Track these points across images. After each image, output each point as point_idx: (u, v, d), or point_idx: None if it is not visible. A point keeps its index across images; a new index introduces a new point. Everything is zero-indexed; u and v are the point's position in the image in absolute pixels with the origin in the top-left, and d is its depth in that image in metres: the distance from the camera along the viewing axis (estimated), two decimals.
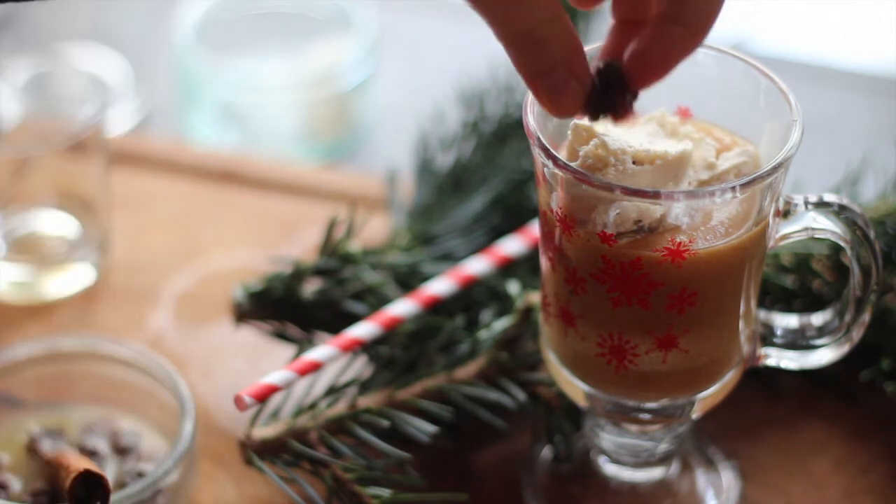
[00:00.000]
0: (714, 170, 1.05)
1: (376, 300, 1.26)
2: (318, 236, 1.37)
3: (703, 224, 1.02)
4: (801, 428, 1.27)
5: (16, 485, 1.19)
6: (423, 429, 1.17)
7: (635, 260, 1.02)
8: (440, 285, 1.25)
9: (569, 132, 1.05)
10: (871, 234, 1.06)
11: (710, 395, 1.12)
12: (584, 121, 1.04)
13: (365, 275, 1.28)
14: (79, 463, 1.13)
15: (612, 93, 0.99)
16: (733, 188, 1.00)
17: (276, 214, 1.48)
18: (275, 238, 1.45)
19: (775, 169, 1.01)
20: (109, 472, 1.18)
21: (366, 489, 1.14)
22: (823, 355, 1.13)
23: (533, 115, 1.05)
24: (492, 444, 1.25)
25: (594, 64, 0.99)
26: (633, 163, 1.02)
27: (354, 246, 1.29)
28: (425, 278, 1.28)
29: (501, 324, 1.23)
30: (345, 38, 1.64)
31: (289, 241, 1.45)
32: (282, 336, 1.28)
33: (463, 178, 1.39)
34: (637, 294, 1.04)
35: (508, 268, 1.29)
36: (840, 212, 1.06)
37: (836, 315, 1.12)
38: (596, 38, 1.47)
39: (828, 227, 1.07)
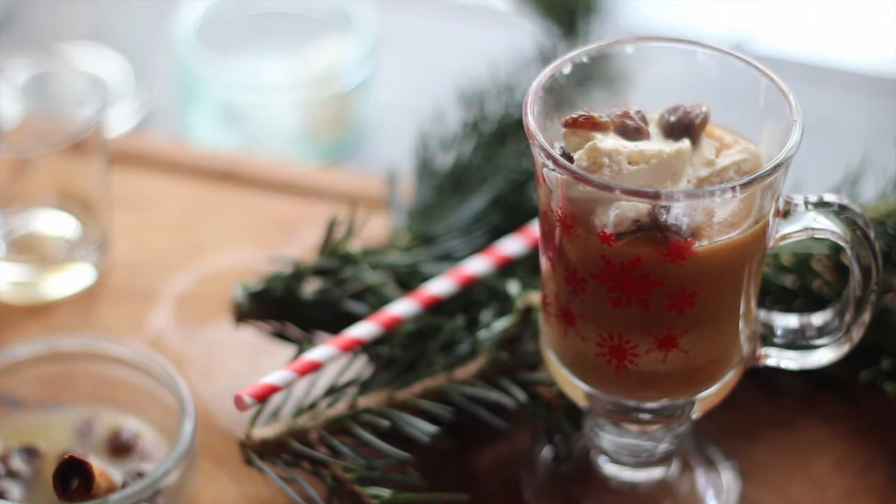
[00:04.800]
0: (713, 167, 1.05)
1: (376, 300, 1.26)
2: (318, 236, 1.37)
3: (703, 223, 1.02)
4: (801, 428, 1.27)
5: (15, 490, 1.19)
6: (423, 429, 1.17)
7: (635, 260, 1.02)
8: (440, 285, 1.25)
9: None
10: (871, 234, 1.07)
11: (710, 395, 1.12)
12: None
13: (365, 275, 1.28)
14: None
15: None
16: (733, 188, 1.00)
17: (276, 214, 1.48)
18: (275, 238, 1.45)
19: (775, 169, 1.01)
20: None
21: (366, 489, 1.14)
22: (823, 355, 1.13)
23: (533, 115, 1.05)
24: (492, 444, 1.25)
25: None
26: (629, 163, 1.02)
27: (354, 246, 1.29)
28: (425, 278, 1.28)
29: (501, 324, 1.23)
30: (345, 38, 1.64)
31: (289, 241, 1.45)
32: (282, 336, 1.28)
33: (463, 178, 1.39)
34: (637, 294, 1.04)
35: (508, 268, 1.29)
36: (840, 212, 1.06)
37: (836, 315, 1.12)
38: (596, 39, 1.47)
39: (828, 227, 1.07)
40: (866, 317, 1.11)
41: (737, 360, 1.12)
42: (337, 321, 1.26)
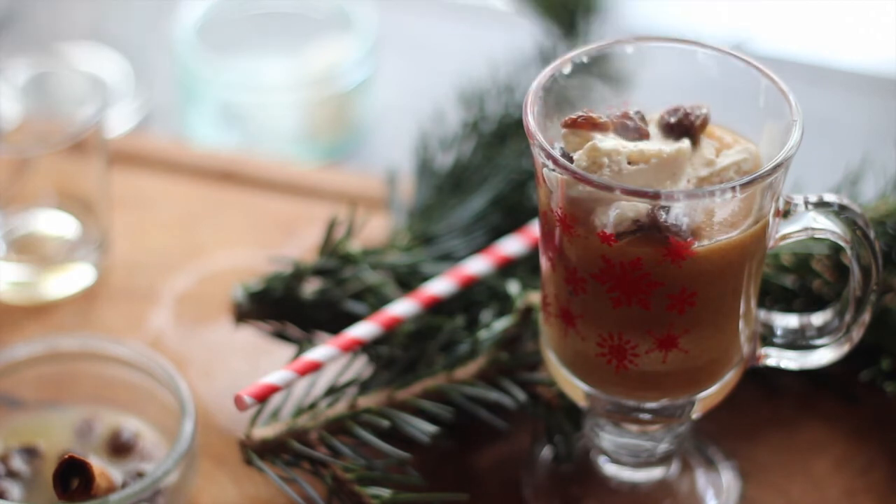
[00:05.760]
0: (713, 167, 1.05)
1: (376, 300, 1.26)
2: (318, 236, 1.37)
3: (703, 223, 1.02)
4: (801, 428, 1.27)
5: (15, 490, 1.19)
6: (423, 429, 1.17)
7: (635, 260, 1.02)
8: (440, 285, 1.25)
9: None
10: (871, 234, 1.07)
11: (710, 395, 1.12)
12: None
13: (365, 275, 1.28)
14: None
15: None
16: (733, 188, 1.00)
17: (276, 214, 1.48)
18: (275, 238, 1.45)
19: (775, 169, 1.01)
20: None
21: (366, 489, 1.14)
22: (823, 355, 1.13)
23: (533, 115, 1.05)
24: (492, 444, 1.25)
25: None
26: (629, 163, 1.02)
27: (354, 246, 1.29)
28: (425, 278, 1.28)
29: (501, 324, 1.23)
30: (345, 38, 1.64)
31: (289, 241, 1.45)
32: (282, 336, 1.28)
33: (463, 178, 1.39)
34: (637, 294, 1.03)
35: (508, 268, 1.29)
36: (840, 212, 1.06)
37: (836, 315, 1.12)
38: (596, 39, 1.47)
39: (828, 227, 1.07)
40: (866, 317, 1.11)
41: (737, 360, 1.12)
42: (337, 321, 1.26)
